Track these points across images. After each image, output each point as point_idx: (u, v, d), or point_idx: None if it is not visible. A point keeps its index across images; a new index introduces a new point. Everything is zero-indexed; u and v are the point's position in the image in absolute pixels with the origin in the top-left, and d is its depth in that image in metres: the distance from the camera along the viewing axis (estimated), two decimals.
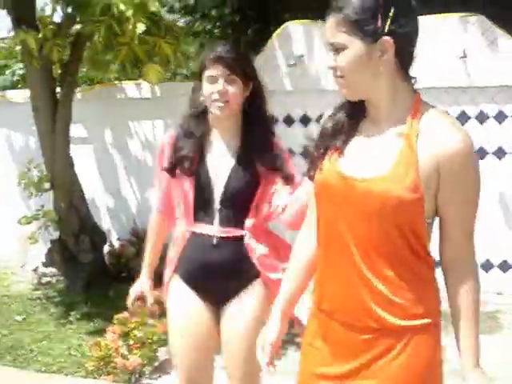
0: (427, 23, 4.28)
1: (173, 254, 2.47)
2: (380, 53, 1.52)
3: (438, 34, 4.87)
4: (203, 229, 2.38)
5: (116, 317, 4.13)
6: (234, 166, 2.38)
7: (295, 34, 5.46)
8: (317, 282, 1.74)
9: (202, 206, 2.39)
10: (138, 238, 5.88)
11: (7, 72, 6.74)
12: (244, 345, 2.34)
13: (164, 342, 4.07)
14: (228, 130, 2.41)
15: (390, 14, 1.49)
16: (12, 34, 7.85)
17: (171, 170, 2.42)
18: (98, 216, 5.87)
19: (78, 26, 5.00)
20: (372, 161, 1.59)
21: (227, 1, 9.36)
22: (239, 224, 2.37)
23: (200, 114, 2.42)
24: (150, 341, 4.03)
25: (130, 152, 6.06)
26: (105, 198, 6.20)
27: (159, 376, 4.00)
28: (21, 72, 6.87)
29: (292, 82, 5.47)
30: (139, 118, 5.94)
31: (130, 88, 5.98)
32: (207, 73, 2.33)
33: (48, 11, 5.47)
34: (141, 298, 2.62)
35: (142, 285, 2.63)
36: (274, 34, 5.58)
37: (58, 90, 5.25)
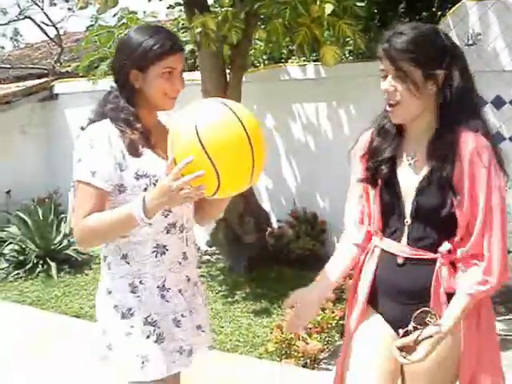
0: None
1: (366, 274, 2.12)
2: None
3: None
4: (390, 246, 2.04)
5: None
6: (428, 174, 1.97)
7: (471, 12, 5.17)
8: None
9: (389, 220, 2.07)
10: (297, 221, 5.90)
11: None
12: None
13: (341, 328, 4.04)
14: (419, 131, 1.99)
15: None
16: (170, 17, 8.14)
17: (371, 180, 2.08)
18: (258, 198, 5.91)
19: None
20: None
21: None
22: (432, 245, 1.97)
23: None
24: (328, 325, 4.00)
25: (291, 134, 6.04)
26: (265, 179, 6.23)
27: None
28: None
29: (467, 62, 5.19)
30: (302, 100, 5.90)
31: (293, 69, 5.95)
32: (380, 65, 1.96)
33: None
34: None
35: (300, 296, 2.11)
36: (449, 13, 5.32)
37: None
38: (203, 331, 2.21)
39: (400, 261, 2.01)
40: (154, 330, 2.01)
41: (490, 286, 1.88)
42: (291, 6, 3.98)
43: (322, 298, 2.17)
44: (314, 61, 5.91)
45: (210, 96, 5.25)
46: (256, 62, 7.24)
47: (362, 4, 4.70)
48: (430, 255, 1.97)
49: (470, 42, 5.08)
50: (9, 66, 10.22)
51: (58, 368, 4.03)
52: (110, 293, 2.06)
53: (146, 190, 1.95)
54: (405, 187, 2.01)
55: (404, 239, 2.01)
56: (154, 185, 1.95)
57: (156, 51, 1.95)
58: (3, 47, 12.10)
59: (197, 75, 5.51)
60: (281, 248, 5.77)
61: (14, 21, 11.06)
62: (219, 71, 5.24)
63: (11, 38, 11.97)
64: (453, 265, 1.95)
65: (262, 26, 5.08)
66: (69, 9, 11.31)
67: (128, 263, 2.03)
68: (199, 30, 4.46)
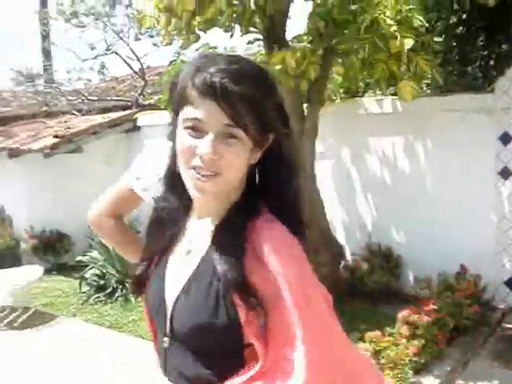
0: None
1: None
2: None
3: None
4: (155, 376, 1.46)
5: (367, 335, 4.13)
6: (194, 273, 1.32)
7: None
8: None
9: (156, 336, 1.47)
10: (372, 255, 5.87)
11: None
12: None
13: (415, 365, 3.99)
14: (213, 213, 1.35)
15: None
16: (249, 51, 8.37)
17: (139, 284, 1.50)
18: (333, 231, 5.93)
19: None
20: None
21: (453, 12, 9.09)
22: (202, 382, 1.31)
23: (174, 178, 1.36)
24: (401, 361, 3.95)
25: (367, 168, 6.05)
26: (341, 213, 6.25)
27: None
28: None
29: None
30: (379, 134, 5.92)
31: (370, 103, 5.99)
32: (187, 113, 1.23)
33: (297, 29, 5.70)
34: None
35: None
36: None
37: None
38: None
39: None
40: None
41: None
42: (370, 42, 4.04)
43: None
44: (392, 94, 5.93)
45: None
46: (333, 95, 7.32)
47: (440, 39, 4.70)
48: None
49: None
50: (96, 99, 10.73)
51: None
52: None
53: None
54: (169, 292, 1.37)
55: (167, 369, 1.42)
56: None
57: None
58: (90, 80, 12.68)
59: None
60: (355, 281, 5.75)
61: (102, 55, 11.61)
62: (297, 105, 5.33)
63: (98, 72, 12.55)
64: None
65: (339, 60, 5.15)
66: (154, 44, 11.77)
67: None
68: (279, 66, 4.57)
